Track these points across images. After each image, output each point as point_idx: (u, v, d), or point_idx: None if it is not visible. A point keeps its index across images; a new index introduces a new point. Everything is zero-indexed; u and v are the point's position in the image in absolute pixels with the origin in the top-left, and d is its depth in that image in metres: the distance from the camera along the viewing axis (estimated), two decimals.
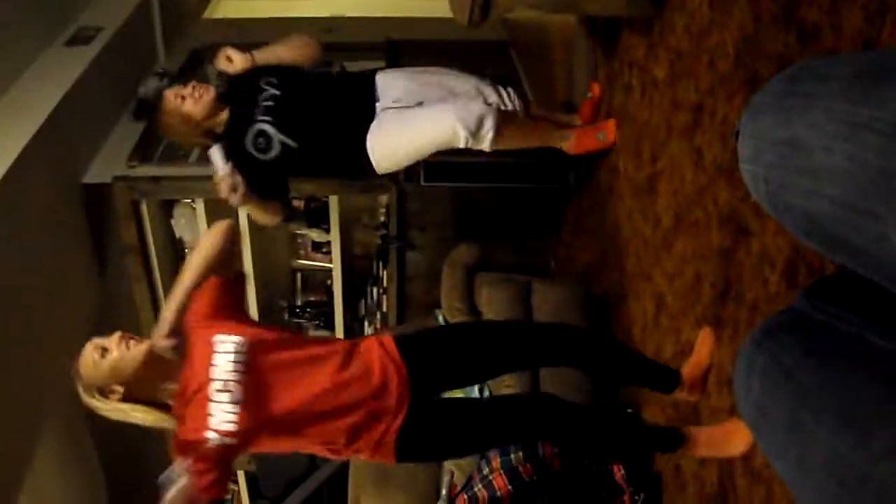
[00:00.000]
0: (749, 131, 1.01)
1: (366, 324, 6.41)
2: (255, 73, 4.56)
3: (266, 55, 4.64)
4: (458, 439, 3.31)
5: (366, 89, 4.56)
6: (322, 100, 4.51)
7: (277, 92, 4.43)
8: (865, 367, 0.93)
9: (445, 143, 4.36)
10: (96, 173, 5.65)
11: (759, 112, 1.00)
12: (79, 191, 5.54)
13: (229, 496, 7.31)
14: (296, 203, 6.29)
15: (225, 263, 3.38)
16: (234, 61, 4.57)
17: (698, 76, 3.39)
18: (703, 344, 3.41)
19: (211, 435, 2.93)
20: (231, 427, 2.96)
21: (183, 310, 3.23)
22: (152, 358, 3.09)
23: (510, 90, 4.69)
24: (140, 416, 3.09)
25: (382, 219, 6.08)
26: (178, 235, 6.09)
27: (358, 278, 6.51)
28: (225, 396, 3.01)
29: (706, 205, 3.30)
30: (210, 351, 3.12)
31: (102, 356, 3.03)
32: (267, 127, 4.34)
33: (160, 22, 6.97)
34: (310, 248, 6.66)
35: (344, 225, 6.08)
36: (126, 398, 3.07)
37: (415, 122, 4.42)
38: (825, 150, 0.87)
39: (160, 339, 3.14)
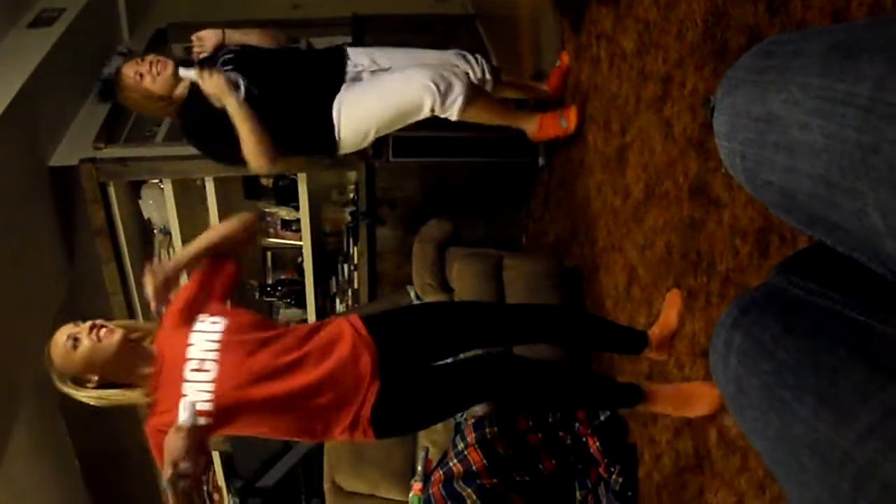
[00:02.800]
0: (724, 107, 1.00)
1: (337, 301, 6.41)
2: (218, 48, 4.54)
3: (235, 35, 4.61)
4: (432, 406, 3.31)
5: (334, 60, 4.54)
6: (288, 63, 4.52)
7: (237, 53, 4.42)
8: (846, 344, 0.92)
9: (412, 106, 4.33)
10: (63, 156, 5.61)
11: (734, 88, 0.99)
12: (45, 174, 5.50)
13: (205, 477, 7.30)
14: (264, 182, 6.27)
15: (236, 247, 3.52)
16: (204, 39, 4.53)
17: (667, 47, 3.38)
18: (671, 305, 3.44)
19: (184, 416, 2.90)
20: (206, 406, 2.97)
21: (181, 272, 3.35)
22: (126, 346, 3.10)
23: (479, 58, 4.68)
24: (117, 398, 3.10)
25: (352, 195, 6.06)
26: (146, 216, 6.06)
27: (329, 256, 6.50)
28: (200, 376, 3.03)
29: (676, 176, 3.30)
30: (188, 330, 3.16)
31: (74, 347, 3.02)
32: (230, 74, 4.32)
33: (124, 1, 6.92)
34: (279, 227, 6.63)
35: (313, 202, 6.06)
36: (100, 385, 3.08)
37: (382, 84, 4.42)
38: (802, 127, 0.87)
39: (153, 290, 3.18)
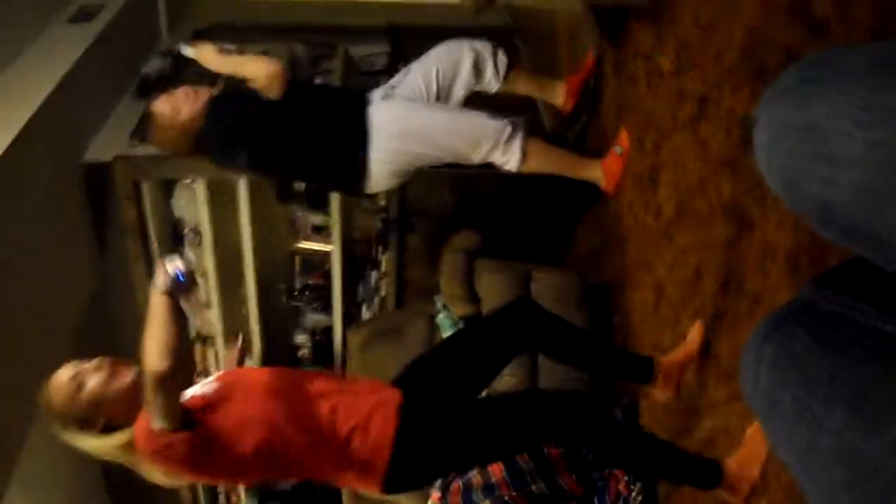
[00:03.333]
0: (766, 118, 1.01)
1: (363, 308, 6.41)
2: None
3: (231, 62, 4.37)
4: (458, 439, 3.18)
5: (355, 103, 4.42)
6: (308, 99, 4.41)
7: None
8: (879, 358, 0.92)
9: (467, 153, 4.33)
10: (97, 152, 5.64)
11: (777, 99, 0.99)
12: (79, 169, 5.54)
13: None
14: (296, 186, 6.29)
15: None
16: (205, 58, 4.33)
17: (705, 68, 3.38)
18: (693, 337, 3.40)
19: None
20: (208, 388, 2.97)
21: None
22: (136, 388, 2.93)
23: (499, 53, 4.65)
24: (124, 439, 2.91)
25: (383, 203, 6.06)
26: (177, 215, 6.08)
27: (357, 262, 6.49)
28: (203, 381, 3.05)
29: (709, 196, 3.30)
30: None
31: (79, 389, 2.89)
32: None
33: (164, 0, 6.96)
34: (309, 231, 6.64)
35: (344, 209, 6.07)
36: (106, 428, 2.92)
37: (437, 122, 4.35)
38: (844, 137, 0.87)
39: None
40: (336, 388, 3.12)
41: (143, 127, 4.85)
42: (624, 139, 4.33)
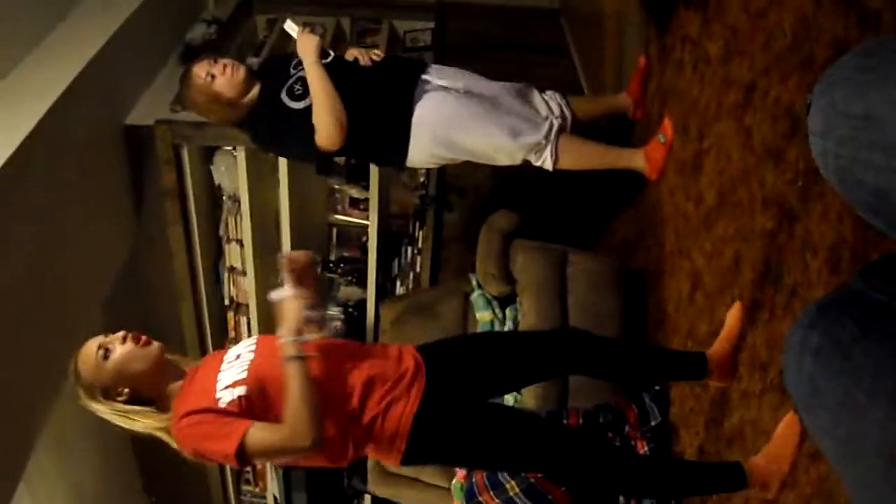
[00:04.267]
0: (821, 105, 0.99)
1: (398, 283, 6.42)
2: (290, 56, 4.53)
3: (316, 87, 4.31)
4: (472, 440, 3.16)
5: (411, 71, 4.51)
6: (364, 70, 4.46)
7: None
8: None
9: (499, 157, 4.44)
10: (139, 115, 5.68)
11: (832, 85, 0.98)
12: (121, 131, 5.56)
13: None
14: (336, 158, 6.30)
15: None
16: (303, 45, 4.36)
17: (752, 55, 3.35)
18: (732, 318, 3.37)
19: (221, 395, 2.86)
20: (241, 375, 2.92)
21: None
22: (162, 360, 3.04)
23: (555, 96, 4.65)
24: (145, 421, 2.96)
25: (422, 180, 6.07)
26: (216, 182, 6.11)
27: (393, 237, 6.51)
28: (236, 363, 2.99)
29: (751, 186, 3.27)
30: (224, 352, 3.16)
31: (105, 357, 2.94)
32: (304, 74, 4.30)
33: None
34: (347, 204, 6.65)
35: (383, 183, 6.08)
36: (131, 400, 2.98)
37: (475, 127, 4.38)
38: None
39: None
40: (367, 364, 3.10)
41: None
42: (668, 127, 4.31)
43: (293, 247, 6.08)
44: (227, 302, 6.58)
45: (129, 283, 5.71)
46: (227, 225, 6.27)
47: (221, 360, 3.04)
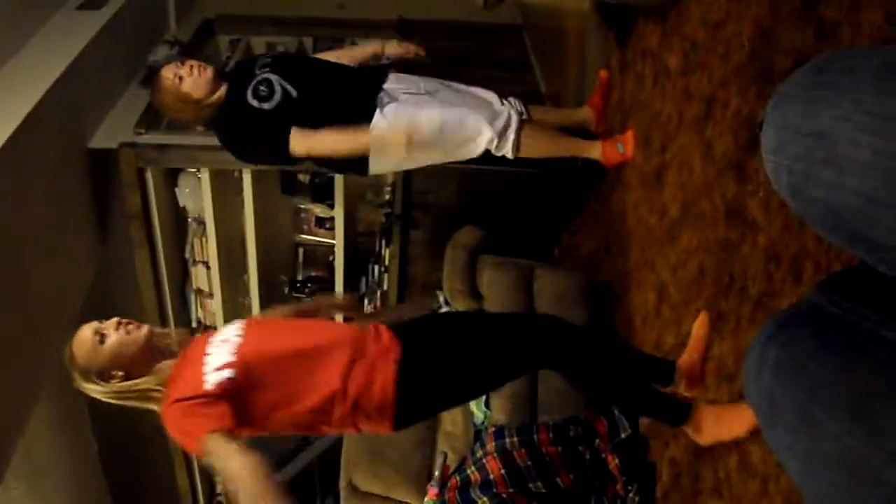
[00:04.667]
0: (774, 121, 1.00)
1: (366, 301, 6.41)
2: (255, 57, 4.57)
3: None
4: (461, 369, 3.26)
5: (374, 76, 4.53)
6: (326, 72, 4.51)
7: (274, 59, 4.45)
8: (880, 364, 0.92)
9: (465, 147, 4.41)
10: (103, 139, 5.65)
11: (785, 102, 0.98)
12: (85, 155, 5.54)
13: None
14: (301, 177, 6.29)
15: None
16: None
17: (712, 67, 3.37)
18: (699, 328, 3.38)
19: (208, 378, 2.92)
20: (229, 358, 2.98)
21: None
22: (152, 341, 3.14)
23: (515, 100, 4.66)
24: (142, 385, 3.05)
25: (388, 197, 6.07)
26: (181, 204, 6.10)
27: (360, 255, 6.51)
28: (224, 346, 3.05)
29: (714, 197, 3.29)
30: (211, 334, 3.23)
31: (102, 341, 3.04)
32: (269, 75, 4.36)
33: None
34: (313, 224, 6.65)
35: (348, 201, 6.08)
36: (126, 380, 3.07)
37: (433, 119, 4.40)
38: (852, 143, 0.86)
39: None
40: (344, 339, 3.19)
41: (150, 114, 4.88)
42: (629, 141, 4.34)
43: (260, 269, 6.08)
44: (194, 324, 6.56)
45: (97, 305, 5.67)
46: (192, 247, 6.26)
47: (208, 341, 3.11)
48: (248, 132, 4.38)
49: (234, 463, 2.69)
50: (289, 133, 4.29)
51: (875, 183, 0.85)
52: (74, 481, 6.52)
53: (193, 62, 4.45)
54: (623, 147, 4.37)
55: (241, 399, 2.92)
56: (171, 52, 6.49)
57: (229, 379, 2.92)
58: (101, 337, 3.04)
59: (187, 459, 6.93)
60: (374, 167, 4.48)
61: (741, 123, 3.06)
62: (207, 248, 6.07)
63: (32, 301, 4.86)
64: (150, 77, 5.89)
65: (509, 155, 4.42)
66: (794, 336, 1.05)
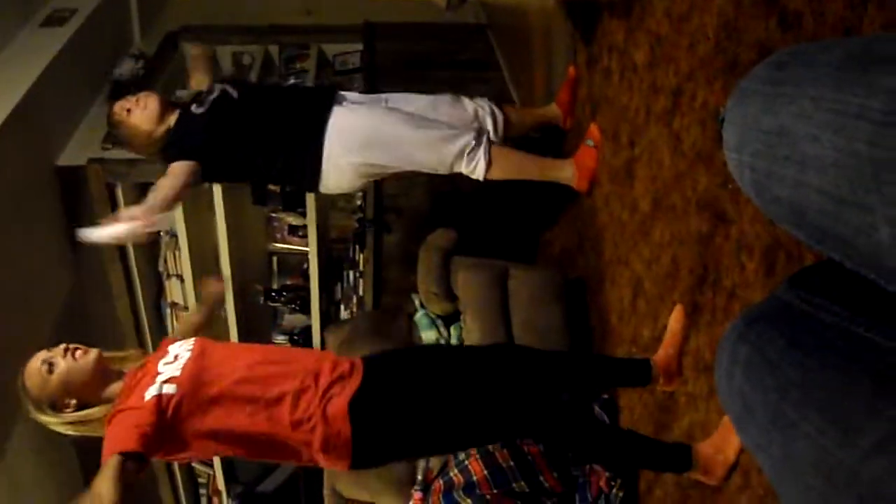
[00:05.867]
0: (735, 118, 0.99)
1: (342, 307, 6.40)
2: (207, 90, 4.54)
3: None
4: (419, 414, 3.16)
5: (324, 96, 4.49)
6: (274, 93, 4.57)
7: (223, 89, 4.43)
8: (851, 361, 0.91)
9: (435, 162, 4.37)
10: (70, 156, 5.63)
11: (745, 99, 0.98)
12: (53, 173, 5.51)
13: (203, 480, 7.31)
14: (272, 187, 6.27)
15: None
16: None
17: (678, 60, 3.37)
18: (675, 321, 3.38)
19: (150, 391, 2.92)
20: (174, 373, 2.99)
21: None
22: (101, 365, 3.12)
23: (484, 103, 4.64)
24: (96, 414, 3.04)
25: (359, 202, 6.06)
26: None
27: (334, 262, 6.49)
28: (172, 365, 3.05)
29: (684, 190, 3.29)
30: (164, 352, 3.20)
31: (50, 371, 3.01)
32: (215, 84, 4.42)
33: (136, 3, 6.93)
34: (286, 232, 6.63)
35: (320, 208, 6.06)
36: (79, 408, 3.06)
37: (398, 139, 4.34)
38: (813, 140, 0.86)
39: None
40: (293, 369, 3.16)
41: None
42: (595, 131, 4.34)
43: (235, 280, 6.06)
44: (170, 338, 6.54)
45: (71, 322, 5.64)
46: (166, 260, 6.24)
47: (160, 359, 3.12)
48: (185, 131, 4.35)
49: (101, 488, 2.69)
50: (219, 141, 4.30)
51: (837, 180, 0.84)
52: (57, 500, 6.49)
53: (143, 94, 4.44)
54: (592, 140, 4.36)
55: (177, 416, 2.92)
56: (136, 66, 6.48)
57: (163, 395, 2.91)
58: (50, 366, 3.01)
59: (171, 474, 6.92)
60: (329, 183, 4.45)
61: (708, 115, 3.06)
62: (181, 260, 6.05)
63: (2, 322, 4.82)
64: (116, 91, 5.88)
65: (479, 178, 4.38)
66: (763, 333, 1.04)
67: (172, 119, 4.37)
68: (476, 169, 4.32)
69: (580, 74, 4.76)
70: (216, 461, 6.67)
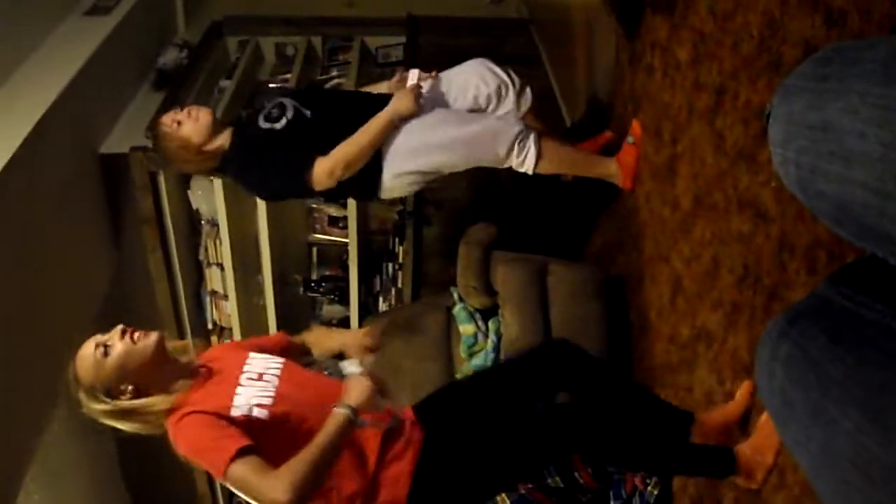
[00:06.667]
0: (780, 115, 0.99)
1: (380, 299, 6.41)
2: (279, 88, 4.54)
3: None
4: (481, 471, 3.11)
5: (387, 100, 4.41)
6: (345, 101, 4.49)
7: (297, 90, 4.41)
8: (893, 359, 0.91)
9: (484, 160, 4.35)
10: (114, 143, 5.67)
11: (791, 95, 0.98)
12: (96, 160, 5.55)
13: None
14: None
15: None
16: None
17: (721, 58, 3.36)
18: (743, 396, 3.19)
19: (238, 404, 2.80)
20: (266, 401, 2.85)
21: None
22: (163, 350, 2.96)
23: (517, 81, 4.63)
24: (158, 405, 2.83)
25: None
26: (195, 207, 6.09)
27: (374, 254, 6.50)
28: (257, 384, 2.92)
29: (726, 189, 3.27)
30: (247, 353, 3.11)
31: (106, 354, 2.83)
32: (283, 99, 4.30)
33: None
34: (326, 223, 6.63)
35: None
36: (136, 396, 2.87)
37: (446, 131, 4.33)
38: (858, 135, 0.86)
39: None
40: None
41: (161, 115, 4.88)
42: (636, 128, 4.33)
43: (274, 270, 6.08)
44: (210, 326, 6.57)
45: (112, 309, 5.68)
46: (206, 249, 6.26)
47: (240, 368, 2.99)
48: (259, 155, 4.27)
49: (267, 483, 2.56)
50: (304, 154, 4.20)
51: (882, 175, 0.84)
52: (94, 488, 6.54)
53: (192, 106, 4.37)
54: (633, 138, 4.35)
55: (257, 442, 2.70)
56: (181, 55, 6.52)
57: (256, 418, 2.79)
58: (105, 349, 2.84)
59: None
60: (387, 188, 4.43)
61: (752, 114, 3.05)
62: (221, 249, 6.07)
63: (47, 308, 4.86)
64: (160, 80, 5.91)
65: (529, 171, 4.36)
66: (805, 332, 1.04)
67: (225, 136, 4.31)
68: (526, 162, 4.30)
69: (623, 71, 4.74)
70: None
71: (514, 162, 4.32)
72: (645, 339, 4.27)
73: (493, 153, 4.29)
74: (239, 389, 2.87)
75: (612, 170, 4.48)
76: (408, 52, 6.89)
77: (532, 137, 4.28)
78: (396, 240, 6.14)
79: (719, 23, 3.38)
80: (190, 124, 4.25)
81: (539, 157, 4.30)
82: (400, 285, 6.08)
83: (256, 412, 2.79)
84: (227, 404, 2.79)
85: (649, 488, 3.85)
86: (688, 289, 3.73)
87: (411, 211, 5.77)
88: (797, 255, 2.69)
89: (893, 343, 0.93)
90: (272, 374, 2.99)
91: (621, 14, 4.63)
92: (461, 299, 4.94)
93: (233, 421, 2.73)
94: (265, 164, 4.28)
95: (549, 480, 3.91)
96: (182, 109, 4.34)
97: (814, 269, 2.58)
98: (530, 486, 3.88)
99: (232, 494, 7.20)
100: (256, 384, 2.92)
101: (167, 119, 4.31)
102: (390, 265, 6.29)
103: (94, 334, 2.95)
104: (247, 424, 2.74)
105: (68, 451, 5.24)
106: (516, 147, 4.27)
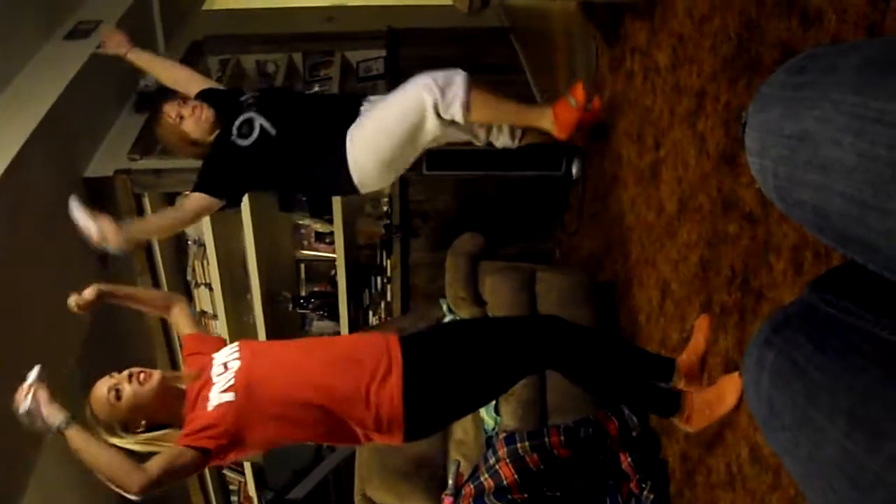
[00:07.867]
0: (756, 124, 0.99)
1: (370, 313, 6.42)
2: (239, 92, 4.60)
3: (143, 56, 4.86)
4: (464, 378, 3.35)
5: (350, 104, 4.54)
6: (306, 107, 4.55)
7: (259, 96, 4.48)
8: (877, 365, 0.91)
9: (414, 114, 4.30)
10: (98, 167, 5.67)
11: (767, 104, 0.98)
12: (80, 185, 5.54)
13: (234, 487, 7.34)
14: (298, 196, 6.29)
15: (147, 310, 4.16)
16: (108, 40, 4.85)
17: (701, 61, 3.37)
18: (699, 330, 3.44)
19: (212, 402, 3.09)
20: (231, 382, 3.13)
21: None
22: (165, 386, 3.19)
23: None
24: (167, 438, 3.13)
25: (385, 208, 6.07)
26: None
27: (362, 268, 6.51)
28: (225, 374, 3.19)
29: (710, 191, 3.28)
30: (210, 360, 3.34)
31: (118, 397, 3.09)
32: (252, 114, 4.39)
33: (160, 14, 6.97)
34: (313, 239, 6.64)
35: (347, 215, 6.08)
36: (149, 430, 3.16)
37: (380, 107, 4.41)
38: (834, 144, 0.86)
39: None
40: (345, 355, 3.33)
41: (143, 140, 4.88)
42: (579, 92, 4.37)
43: (263, 288, 6.08)
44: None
45: (102, 329, 5.67)
46: (194, 270, 6.26)
47: (210, 375, 3.24)
48: (225, 166, 4.42)
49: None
50: (266, 174, 4.48)
51: (859, 184, 0.84)
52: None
53: (196, 102, 4.47)
54: (575, 100, 4.36)
55: (243, 419, 3.09)
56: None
57: (227, 402, 3.07)
58: (117, 392, 3.09)
59: (202, 481, 6.95)
60: (364, 181, 4.48)
61: (732, 116, 3.06)
62: (209, 269, 6.08)
63: (35, 333, 4.85)
64: (142, 102, 5.90)
65: (458, 117, 4.31)
66: (790, 338, 1.04)
67: (216, 133, 4.45)
68: (456, 112, 4.27)
69: (603, 77, 4.75)
70: (247, 468, 6.69)
71: (442, 108, 4.28)
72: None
73: (421, 105, 4.27)
74: (212, 389, 3.16)
75: (546, 122, 4.50)
76: (389, 65, 6.90)
77: (459, 87, 4.27)
78: (384, 253, 6.15)
79: (697, 25, 3.40)
80: (192, 122, 4.40)
81: (468, 101, 4.28)
82: (389, 298, 6.10)
83: (226, 398, 3.09)
84: (205, 405, 3.11)
85: (645, 492, 3.86)
86: (676, 292, 3.74)
87: (398, 224, 5.78)
88: (783, 256, 2.70)
89: (878, 349, 0.93)
90: (233, 360, 3.27)
91: (600, 20, 4.64)
92: (451, 310, 4.94)
93: (210, 426, 3.05)
94: (224, 173, 4.46)
95: (545, 489, 3.91)
96: (186, 103, 4.46)
97: (800, 269, 2.58)
98: (525, 494, 3.89)
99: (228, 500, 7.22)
100: (223, 375, 3.20)
101: (171, 111, 4.44)
102: (379, 279, 6.30)
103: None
104: (221, 416, 3.07)
105: (64, 471, 5.21)
106: (441, 99, 4.26)
